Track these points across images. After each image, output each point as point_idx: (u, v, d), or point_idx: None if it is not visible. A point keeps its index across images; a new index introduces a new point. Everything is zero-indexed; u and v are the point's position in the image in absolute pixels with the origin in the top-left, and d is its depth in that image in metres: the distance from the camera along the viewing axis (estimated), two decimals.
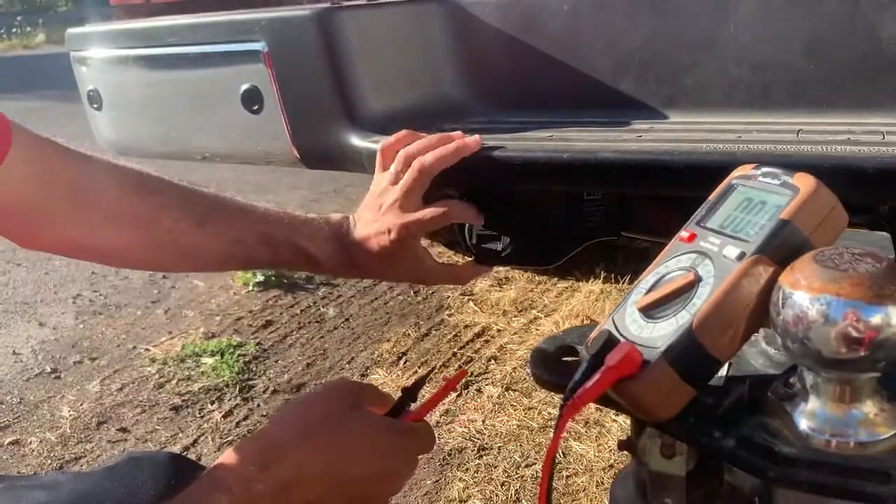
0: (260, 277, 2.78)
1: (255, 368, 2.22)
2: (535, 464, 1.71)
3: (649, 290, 0.63)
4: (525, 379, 2.03)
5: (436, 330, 2.37)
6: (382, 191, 0.87)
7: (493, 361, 2.14)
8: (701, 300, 0.58)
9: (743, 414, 0.59)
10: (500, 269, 2.76)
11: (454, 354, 2.19)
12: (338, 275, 0.97)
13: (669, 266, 0.64)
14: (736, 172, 0.66)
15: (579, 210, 1.19)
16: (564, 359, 0.74)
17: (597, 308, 2.35)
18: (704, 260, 0.60)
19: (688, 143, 0.93)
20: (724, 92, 1.08)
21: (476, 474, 1.69)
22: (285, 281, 2.80)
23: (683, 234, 0.65)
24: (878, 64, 0.99)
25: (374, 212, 0.86)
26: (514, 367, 2.09)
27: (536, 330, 2.30)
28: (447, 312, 2.47)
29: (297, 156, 1.17)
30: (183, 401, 2.06)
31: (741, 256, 0.57)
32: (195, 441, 1.88)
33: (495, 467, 1.71)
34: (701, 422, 0.58)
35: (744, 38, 1.05)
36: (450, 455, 1.77)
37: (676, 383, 0.57)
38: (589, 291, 2.49)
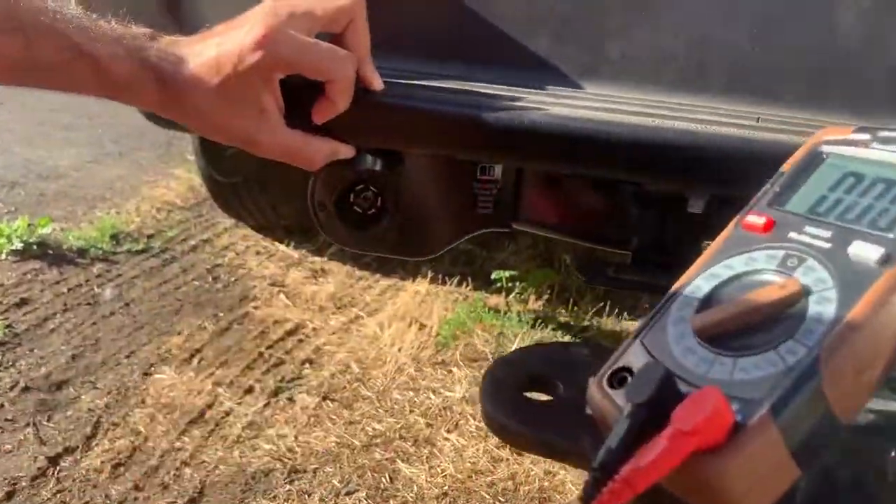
0: (17, 244, 2.26)
1: (0, 358, 1.74)
2: (357, 490, 1.45)
3: (706, 303, 0.39)
4: (345, 387, 1.76)
5: (238, 324, 2.02)
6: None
7: (307, 365, 1.84)
8: (823, 325, 0.35)
9: None
10: (315, 258, 2.45)
11: (260, 355, 1.87)
12: (137, 101, 0.65)
13: (735, 266, 0.40)
14: (820, 136, 0.45)
15: (469, 191, 0.96)
16: (528, 394, 0.50)
17: (424, 310, 2.13)
18: (807, 261, 0.38)
19: (631, 116, 0.73)
20: (652, 66, 0.89)
21: (286, 503, 1.40)
22: (50, 251, 2.29)
23: (753, 219, 0.42)
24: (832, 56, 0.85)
25: (242, 24, 0.68)
26: (333, 373, 1.81)
27: (358, 331, 2.03)
28: (253, 304, 2.13)
29: None
30: None
31: (886, 260, 0.36)
32: None
33: (310, 494, 1.42)
34: None
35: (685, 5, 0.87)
36: (254, 478, 1.45)
37: (782, 461, 0.35)
38: (415, 291, 2.26)
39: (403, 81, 0.79)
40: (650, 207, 0.86)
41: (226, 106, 0.71)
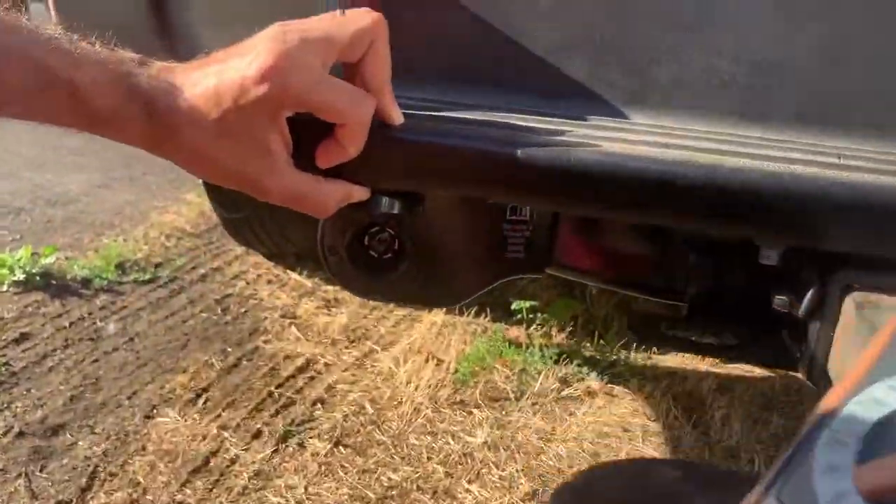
0: (19, 275, 2.17)
1: None
2: None
3: (872, 445, 0.28)
4: (359, 431, 1.64)
5: (248, 360, 1.91)
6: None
7: (319, 406, 1.73)
8: None
9: None
10: (329, 287, 2.35)
11: (270, 394, 1.76)
12: (122, 135, 0.62)
13: None
14: None
15: (498, 233, 0.85)
16: None
17: (441, 344, 2.02)
18: None
19: (706, 154, 0.62)
20: (708, 92, 0.78)
21: None
22: (53, 282, 2.20)
23: None
24: None
25: (247, 51, 0.59)
26: (346, 415, 1.70)
27: (372, 367, 1.92)
28: (263, 338, 2.03)
29: None
30: None
31: None
32: None
33: None
34: None
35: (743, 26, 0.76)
36: None
37: None
38: (431, 323, 2.15)
39: (426, 114, 0.69)
40: (709, 254, 0.75)
41: (225, 145, 0.61)
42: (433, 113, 0.69)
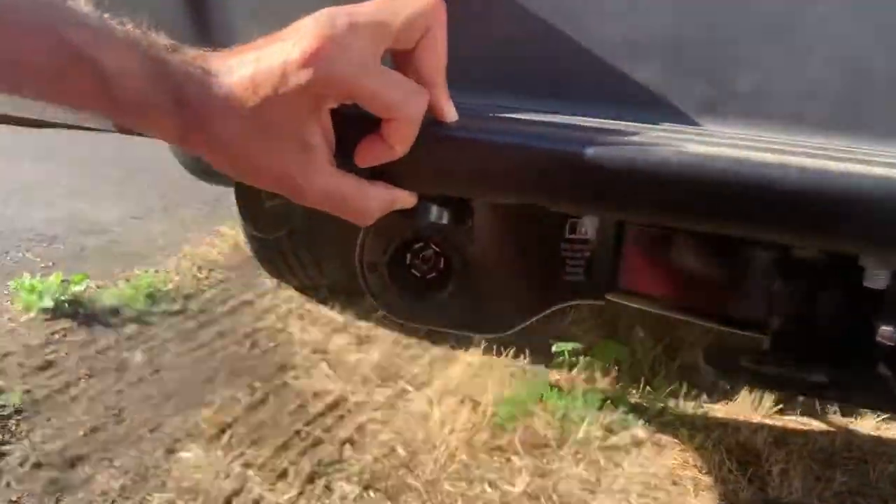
0: (48, 302, 2.13)
1: (14, 428, 1.58)
2: None
3: None
4: (390, 475, 1.54)
5: (275, 396, 1.83)
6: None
7: (349, 446, 1.64)
8: None
9: None
10: (361, 323, 2.28)
11: (297, 433, 1.67)
12: (149, 124, 0.56)
13: None
14: None
15: (555, 253, 0.77)
16: None
17: (477, 386, 1.92)
18: None
19: (804, 158, 0.54)
20: (795, 103, 0.69)
21: None
22: (81, 310, 2.16)
23: None
24: None
25: (289, 36, 0.53)
26: (377, 457, 1.60)
27: (405, 406, 1.82)
28: (292, 374, 1.95)
29: None
30: None
31: None
32: None
33: None
34: None
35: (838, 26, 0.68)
36: None
37: None
38: (467, 363, 2.06)
39: (483, 113, 0.62)
40: (798, 277, 0.66)
41: (262, 139, 0.54)
42: (492, 113, 0.62)
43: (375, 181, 0.60)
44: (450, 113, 0.59)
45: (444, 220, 0.69)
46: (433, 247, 0.76)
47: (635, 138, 0.56)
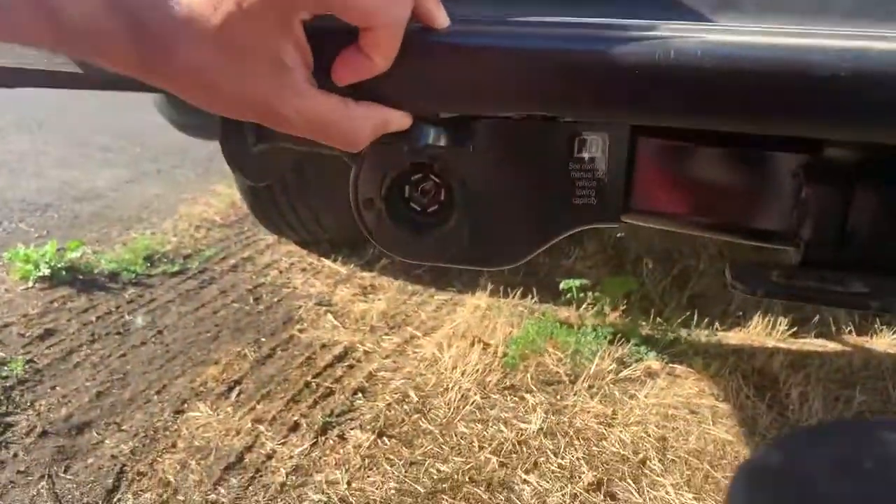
0: (45, 271, 2.09)
1: (17, 398, 1.55)
2: None
3: None
4: (403, 420, 1.52)
5: (282, 350, 1.80)
6: None
7: (360, 395, 1.61)
8: None
9: None
10: (365, 273, 2.24)
11: (307, 385, 1.65)
12: (105, 56, 0.49)
13: None
14: None
15: (563, 175, 0.72)
16: None
17: (486, 327, 1.89)
18: None
19: (840, 40, 0.48)
20: None
21: None
22: (80, 276, 2.12)
23: None
24: None
25: None
26: (389, 404, 1.57)
27: (414, 353, 1.79)
28: (298, 327, 1.91)
29: None
30: None
31: None
32: None
33: None
34: None
35: None
36: None
37: None
38: (475, 306, 2.02)
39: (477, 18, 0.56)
40: (831, 180, 0.60)
41: (230, 62, 0.48)
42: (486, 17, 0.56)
43: (364, 101, 0.54)
44: (440, 17, 0.53)
45: (443, 143, 0.64)
46: (432, 177, 0.71)
47: (649, 33, 0.50)
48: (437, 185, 0.71)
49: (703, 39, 0.48)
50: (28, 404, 1.54)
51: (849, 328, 1.99)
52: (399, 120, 0.57)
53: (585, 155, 0.68)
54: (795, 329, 1.95)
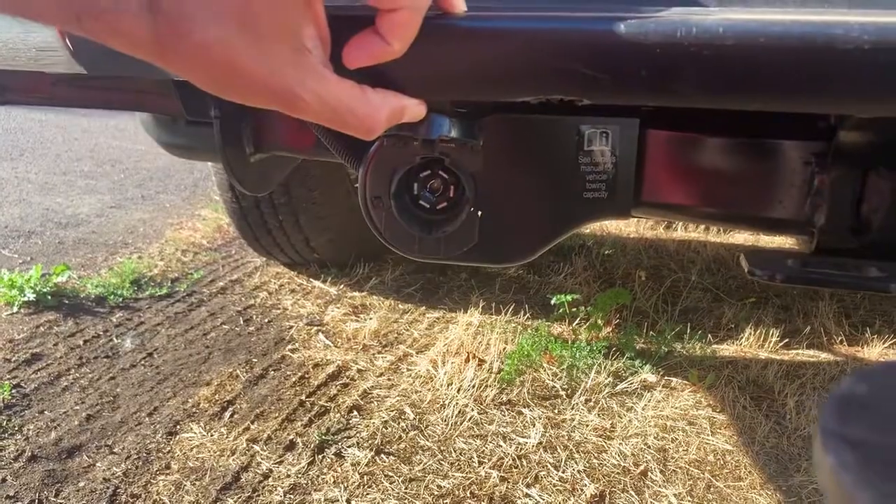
0: (30, 295, 2.05)
1: (4, 423, 1.51)
2: None
3: None
4: (401, 437, 1.50)
5: (275, 370, 1.78)
6: None
7: (355, 413, 1.59)
8: None
9: None
10: (355, 293, 2.22)
11: (301, 404, 1.62)
12: (117, 35, 0.46)
13: None
14: None
15: (573, 169, 0.72)
16: None
17: (480, 344, 1.88)
18: None
19: (862, 16, 0.49)
20: None
21: None
22: (66, 301, 2.09)
23: None
24: None
25: None
26: (386, 421, 1.55)
27: (409, 370, 1.78)
28: (290, 347, 1.89)
29: None
30: None
31: None
32: None
33: None
34: None
35: None
36: None
37: None
38: (467, 323, 2.01)
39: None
40: (845, 166, 0.61)
41: (248, 41, 0.47)
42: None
43: (381, 88, 0.54)
44: (458, 3, 0.53)
45: (454, 134, 0.64)
46: (441, 174, 0.71)
47: (666, 13, 0.50)
48: (446, 182, 0.71)
49: (724, 18, 0.48)
50: (16, 429, 1.50)
51: (840, 338, 2.00)
52: (415, 108, 0.57)
53: (595, 148, 0.68)
54: (787, 340, 1.96)
